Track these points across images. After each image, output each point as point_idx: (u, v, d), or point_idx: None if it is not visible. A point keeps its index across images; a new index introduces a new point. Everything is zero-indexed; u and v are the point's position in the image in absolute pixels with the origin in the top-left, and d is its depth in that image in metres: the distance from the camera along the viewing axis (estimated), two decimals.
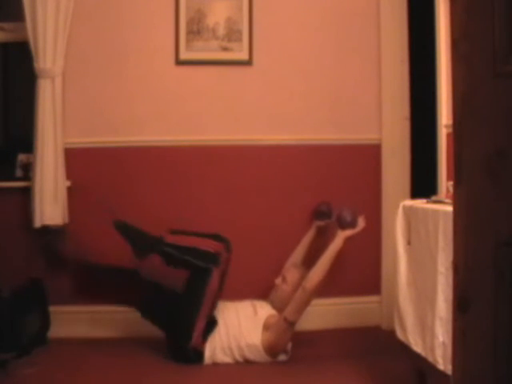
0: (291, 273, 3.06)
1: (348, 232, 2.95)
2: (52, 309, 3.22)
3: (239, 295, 3.12)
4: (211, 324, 2.87)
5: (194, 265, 2.87)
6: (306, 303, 2.88)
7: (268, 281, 3.22)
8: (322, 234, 3.29)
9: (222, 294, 2.99)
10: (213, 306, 2.89)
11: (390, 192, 3.47)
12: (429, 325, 2.12)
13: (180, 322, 2.85)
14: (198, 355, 2.83)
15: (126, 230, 3.07)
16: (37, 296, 3.17)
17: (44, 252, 3.24)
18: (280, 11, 3.46)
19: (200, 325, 2.82)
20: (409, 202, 2.45)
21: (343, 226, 2.97)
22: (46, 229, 3.18)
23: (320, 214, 3.32)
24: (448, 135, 3.30)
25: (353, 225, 2.97)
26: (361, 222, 2.99)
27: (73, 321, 3.26)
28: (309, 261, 3.13)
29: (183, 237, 3.04)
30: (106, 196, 3.24)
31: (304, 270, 3.00)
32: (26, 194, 3.20)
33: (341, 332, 3.36)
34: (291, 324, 2.85)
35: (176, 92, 3.41)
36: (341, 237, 2.94)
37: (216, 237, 3.02)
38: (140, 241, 3.04)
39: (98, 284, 3.27)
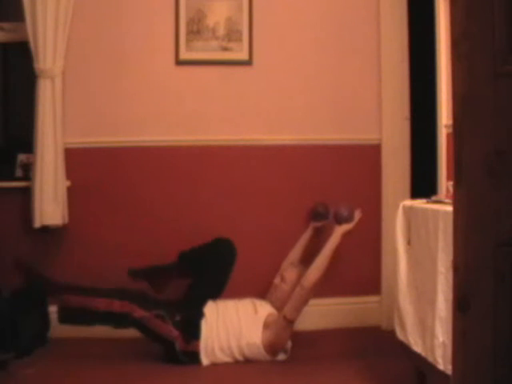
0: (290, 272, 3.06)
1: (345, 227, 2.96)
2: (52, 309, 3.22)
3: (239, 294, 3.11)
4: (192, 327, 2.86)
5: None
6: (304, 301, 2.88)
7: (268, 280, 3.23)
8: (318, 235, 3.29)
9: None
10: (163, 318, 2.85)
11: (389, 192, 3.47)
12: (429, 325, 2.12)
13: (157, 340, 2.89)
14: (192, 357, 2.82)
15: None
16: (37, 296, 3.16)
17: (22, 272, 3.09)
18: (280, 11, 3.46)
19: (172, 334, 2.81)
20: (409, 202, 2.45)
21: (340, 221, 2.98)
22: (45, 231, 3.18)
23: (316, 215, 3.32)
24: (448, 135, 3.30)
25: (350, 219, 2.98)
26: (357, 215, 2.99)
27: None
28: (306, 260, 3.13)
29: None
30: None
31: (302, 269, 3.00)
32: (26, 194, 3.20)
33: (341, 332, 3.36)
34: (290, 322, 2.85)
35: (176, 92, 3.41)
36: (338, 232, 2.94)
37: (216, 242, 3.05)
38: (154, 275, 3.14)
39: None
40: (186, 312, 2.90)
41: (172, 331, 2.81)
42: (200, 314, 2.88)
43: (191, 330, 2.84)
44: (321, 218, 3.30)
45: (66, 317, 2.92)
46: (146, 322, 2.83)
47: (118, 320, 2.87)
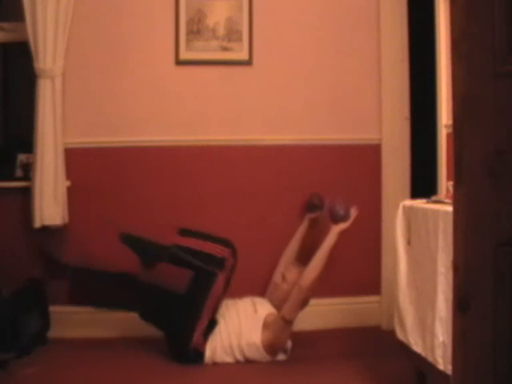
0: (291, 272, 3.06)
1: (342, 225, 2.95)
2: (52, 309, 3.23)
3: (239, 291, 3.11)
4: (212, 324, 2.87)
5: (200, 267, 2.88)
6: (302, 301, 2.87)
7: (267, 278, 3.23)
8: (314, 226, 3.29)
9: (224, 297, 3.00)
10: (215, 309, 2.90)
11: (390, 192, 3.47)
12: (429, 325, 2.12)
13: (181, 323, 2.85)
14: (199, 355, 2.83)
15: (133, 242, 3.08)
16: (37, 296, 3.17)
17: (43, 259, 3.22)
18: (280, 11, 3.46)
19: (201, 326, 2.82)
20: (409, 202, 2.45)
21: (336, 220, 2.97)
22: (44, 231, 3.18)
23: (312, 206, 3.32)
24: (448, 135, 3.30)
25: (346, 218, 2.96)
26: (353, 213, 2.98)
27: (73, 321, 3.26)
28: (303, 254, 3.14)
29: (192, 239, 3.04)
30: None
31: (303, 269, 3.00)
32: (26, 194, 3.20)
33: (341, 332, 3.36)
34: (289, 322, 2.85)
35: (176, 92, 3.41)
36: (335, 232, 2.94)
37: (224, 242, 3.04)
38: (148, 250, 3.05)
39: (96, 289, 3.27)
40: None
41: (202, 326, 2.82)
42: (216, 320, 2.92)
43: (210, 328, 2.86)
44: (316, 209, 3.30)
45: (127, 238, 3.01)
46: (215, 287, 2.87)
47: (216, 263, 2.91)
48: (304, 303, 2.90)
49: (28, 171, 3.30)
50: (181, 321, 2.85)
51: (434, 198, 2.38)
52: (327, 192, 3.38)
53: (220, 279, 2.89)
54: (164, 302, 2.89)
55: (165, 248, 2.99)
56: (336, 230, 2.95)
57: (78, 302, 3.16)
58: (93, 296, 3.16)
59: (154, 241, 3.07)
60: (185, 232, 3.12)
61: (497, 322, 1.34)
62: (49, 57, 3.15)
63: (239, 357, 2.86)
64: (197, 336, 2.81)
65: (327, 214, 3.06)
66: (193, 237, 3.07)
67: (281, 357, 2.91)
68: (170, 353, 2.89)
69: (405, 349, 2.35)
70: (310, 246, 3.07)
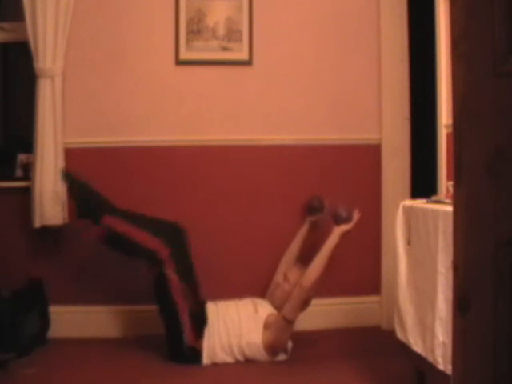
0: (293, 272, 3.06)
1: (344, 227, 2.95)
2: (52, 309, 3.23)
3: (239, 292, 3.12)
4: (202, 321, 2.86)
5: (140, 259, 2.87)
6: (304, 301, 2.87)
7: (267, 279, 3.23)
8: (315, 229, 3.29)
9: (196, 284, 2.96)
10: (187, 300, 2.85)
11: (389, 192, 3.47)
12: (429, 325, 2.12)
13: (168, 323, 2.87)
14: (195, 354, 2.82)
15: (75, 185, 2.98)
16: (37, 296, 3.17)
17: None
18: (280, 11, 3.46)
19: (186, 322, 2.81)
20: (409, 202, 2.45)
21: (339, 222, 2.97)
22: (44, 231, 3.18)
23: (312, 209, 3.32)
24: (448, 135, 3.30)
25: (348, 220, 2.97)
26: (355, 215, 2.99)
27: (73, 321, 3.26)
28: (304, 256, 3.14)
29: (129, 225, 2.90)
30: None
31: (305, 269, 3.00)
32: (26, 194, 3.20)
33: (341, 332, 3.36)
34: (290, 322, 2.85)
35: (176, 92, 3.41)
36: (337, 233, 2.94)
37: (169, 225, 2.98)
38: (88, 202, 2.94)
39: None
40: (198, 307, 2.91)
41: (186, 319, 2.81)
42: (205, 315, 2.89)
43: (200, 325, 2.84)
44: (316, 211, 3.30)
45: (111, 239, 2.90)
46: (171, 283, 2.81)
47: (152, 259, 2.84)
48: (305, 303, 2.90)
49: (28, 171, 3.30)
50: (167, 318, 2.86)
51: (434, 197, 2.38)
52: (327, 192, 3.39)
53: (168, 272, 2.82)
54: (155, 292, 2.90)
55: (108, 208, 2.92)
56: (338, 231, 2.94)
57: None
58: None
59: (98, 194, 2.98)
60: (125, 214, 3.00)
61: (497, 321, 1.34)
62: (49, 57, 3.15)
63: (239, 357, 2.86)
64: (187, 333, 2.80)
65: (330, 215, 3.07)
66: (133, 219, 2.98)
67: (281, 357, 2.91)
68: (169, 354, 2.88)
69: (405, 349, 2.35)
70: (310, 249, 3.07)
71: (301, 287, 2.85)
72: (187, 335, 2.81)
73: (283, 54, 3.46)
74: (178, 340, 2.82)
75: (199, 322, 2.85)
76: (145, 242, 2.85)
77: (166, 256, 2.84)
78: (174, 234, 2.96)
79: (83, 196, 2.96)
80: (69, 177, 3.01)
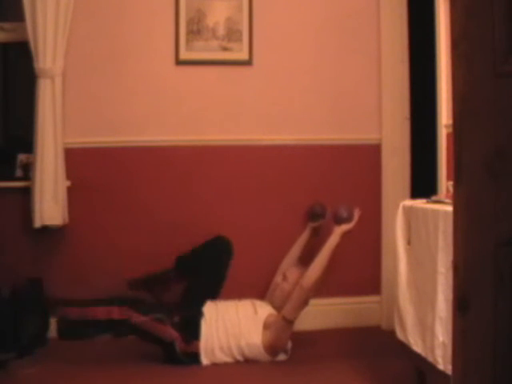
0: (293, 272, 3.06)
1: (344, 227, 2.95)
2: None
3: (238, 293, 3.12)
4: (192, 327, 2.85)
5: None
6: (304, 301, 2.88)
7: (267, 280, 3.23)
8: (316, 235, 3.29)
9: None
10: (161, 322, 2.85)
11: (389, 192, 3.47)
12: (429, 325, 2.12)
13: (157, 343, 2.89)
14: (192, 357, 2.82)
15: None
16: (37, 296, 3.16)
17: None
18: (280, 11, 3.46)
19: (173, 337, 2.81)
20: (409, 202, 2.45)
21: (340, 222, 2.97)
22: (44, 231, 3.18)
23: (314, 215, 3.31)
24: (448, 135, 3.30)
25: (349, 220, 2.97)
26: (356, 214, 2.98)
27: None
28: (305, 259, 3.13)
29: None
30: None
31: (305, 269, 3.00)
32: (26, 194, 3.20)
33: (341, 332, 3.37)
34: (290, 322, 2.85)
35: (176, 92, 3.41)
36: (337, 233, 2.94)
37: (215, 241, 3.07)
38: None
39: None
40: (184, 313, 2.90)
41: (171, 333, 2.81)
42: (199, 314, 2.88)
43: (191, 330, 2.84)
44: (318, 217, 3.30)
45: (66, 331, 2.91)
46: (146, 326, 2.82)
47: (118, 327, 2.88)
48: (306, 303, 2.90)
49: (28, 171, 3.30)
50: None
51: (434, 197, 2.38)
52: (327, 192, 3.40)
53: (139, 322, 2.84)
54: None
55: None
56: (339, 231, 2.94)
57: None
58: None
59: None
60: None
61: (497, 321, 1.33)
62: (49, 57, 3.15)
63: (239, 357, 2.86)
64: (178, 343, 2.81)
65: (330, 215, 3.07)
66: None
67: (281, 357, 2.91)
68: (166, 360, 2.88)
69: (405, 349, 2.35)
70: (311, 253, 3.06)
71: (301, 287, 2.85)
72: (179, 345, 2.82)
73: (283, 54, 3.46)
74: (172, 350, 2.82)
75: (188, 327, 2.85)
76: (110, 315, 2.84)
77: (127, 314, 2.82)
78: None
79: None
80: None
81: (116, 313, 2.82)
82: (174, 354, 2.82)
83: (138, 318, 2.81)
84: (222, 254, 3.06)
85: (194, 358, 2.82)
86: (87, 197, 3.32)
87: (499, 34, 1.32)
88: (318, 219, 3.30)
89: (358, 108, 3.51)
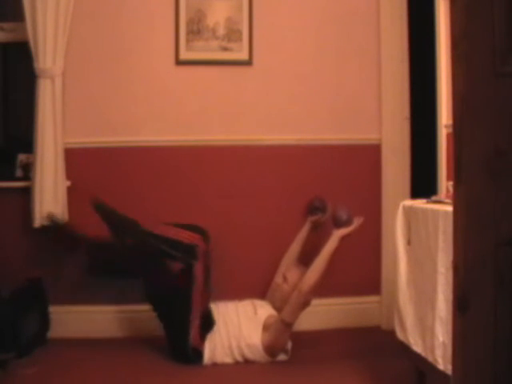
0: (293, 273, 3.05)
1: (343, 231, 2.94)
2: (52, 309, 3.23)
3: (239, 293, 3.12)
4: (208, 323, 2.87)
5: (175, 257, 2.84)
6: (302, 304, 2.87)
7: (267, 280, 3.23)
8: (316, 229, 3.29)
9: (211, 287, 2.98)
10: (204, 301, 2.87)
11: (389, 192, 3.47)
12: (429, 325, 2.12)
13: (175, 322, 2.86)
14: (198, 355, 2.83)
15: (105, 212, 3.03)
16: (37, 296, 3.17)
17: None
18: (280, 11, 3.46)
19: (195, 323, 2.81)
20: (409, 202, 2.45)
21: (339, 225, 2.96)
22: (44, 231, 3.18)
23: (313, 208, 3.31)
24: (448, 135, 3.30)
25: (348, 223, 2.96)
26: (356, 221, 2.98)
27: (73, 321, 3.26)
28: (305, 256, 3.14)
29: (161, 226, 2.97)
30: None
31: (304, 270, 3.00)
32: (26, 193, 3.20)
33: (341, 332, 3.36)
34: (289, 325, 2.85)
35: (176, 92, 3.41)
36: (336, 236, 2.93)
37: (194, 228, 3.00)
38: (119, 224, 3.00)
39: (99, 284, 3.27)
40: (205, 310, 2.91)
41: (196, 320, 2.80)
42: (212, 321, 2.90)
43: (207, 327, 2.84)
44: (317, 211, 3.30)
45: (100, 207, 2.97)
46: (196, 279, 2.81)
47: (190, 252, 2.84)
48: (304, 306, 2.90)
49: (28, 171, 3.30)
50: (174, 321, 2.86)
51: (433, 198, 2.37)
52: (327, 192, 3.39)
53: (198, 269, 2.84)
54: (160, 296, 2.91)
55: (135, 226, 2.95)
56: (338, 234, 2.94)
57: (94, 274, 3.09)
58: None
59: (127, 217, 3.02)
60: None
61: (497, 321, 1.34)
62: (49, 57, 3.15)
63: (239, 358, 2.86)
64: (193, 334, 2.80)
65: (330, 218, 3.07)
66: (161, 225, 3.01)
67: (281, 357, 2.91)
68: (171, 353, 2.88)
69: (405, 349, 2.35)
70: (311, 249, 3.06)
71: (299, 291, 2.84)
72: (193, 336, 2.81)
73: (283, 54, 3.46)
74: (183, 340, 2.81)
75: (207, 324, 2.86)
76: (185, 238, 2.88)
77: (202, 252, 2.87)
78: (205, 235, 2.99)
79: (115, 220, 3.02)
80: (99, 207, 3.04)
81: (186, 237, 2.86)
82: (185, 347, 2.80)
83: (199, 268, 2.82)
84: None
85: (199, 355, 2.82)
86: (87, 197, 3.31)
87: (499, 34, 1.32)
88: (317, 213, 3.29)
89: (358, 108, 3.51)
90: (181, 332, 2.82)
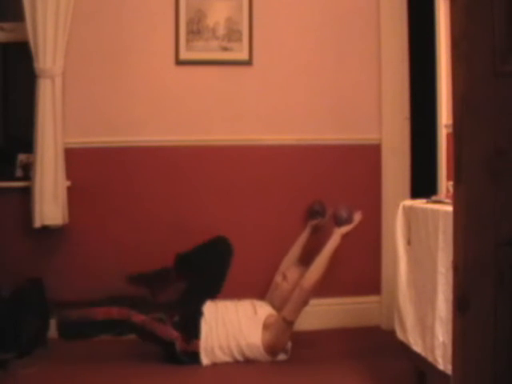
0: (292, 271, 3.06)
1: (344, 228, 2.95)
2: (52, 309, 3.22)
3: (238, 293, 3.12)
4: (192, 325, 2.85)
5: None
6: (303, 302, 2.88)
7: (267, 280, 3.23)
8: (316, 233, 3.29)
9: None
10: (160, 322, 2.85)
11: (389, 192, 3.47)
12: (429, 325, 2.12)
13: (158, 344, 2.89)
14: (192, 356, 2.82)
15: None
16: (37, 296, 3.16)
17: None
18: (280, 11, 3.46)
19: (173, 334, 2.81)
20: (409, 202, 2.45)
21: (340, 223, 2.97)
22: (44, 231, 3.18)
23: (313, 213, 3.32)
24: (448, 135, 3.30)
25: (349, 221, 2.97)
26: (356, 217, 2.99)
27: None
28: (305, 259, 3.14)
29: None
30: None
31: (305, 269, 3.00)
32: (26, 193, 3.20)
33: (341, 332, 3.36)
34: (290, 323, 2.85)
35: (176, 92, 3.41)
36: (337, 234, 2.94)
37: (218, 242, 3.07)
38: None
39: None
40: (184, 312, 2.91)
41: (172, 333, 2.81)
42: (199, 314, 2.88)
43: (191, 329, 2.84)
44: (318, 215, 3.30)
45: (66, 331, 2.90)
46: (145, 325, 2.82)
47: (118, 327, 2.86)
48: (305, 304, 2.90)
49: (28, 171, 3.30)
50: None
51: (433, 197, 2.37)
52: (327, 192, 3.40)
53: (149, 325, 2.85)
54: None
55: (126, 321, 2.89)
56: (339, 232, 2.95)
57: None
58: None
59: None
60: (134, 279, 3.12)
61: (497, 321, 1.34)
62: (49, 57, 3.15)
63: (239, 357, 2.86)
64: (179, 342, 2.81)
65: (331, 217, 3.07)
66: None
67: (281, 357, 2.91)
68: (166, 359, 2.88)
69: (405, 349, 2.35)
70: (311, 253, 3.06)
71: (301, 289, 2.85)
72: (179, 344, 2.81)
73: (283, 54, 3.46)
74: (172, 349, 2.82)
75: (188, 327, 2.85)
76: (109, 315, 2.84)
77: (127, 314, 2.83)
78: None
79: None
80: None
81: (115, 313, 2.82)
82: (175, 353, 2.82)
83: (137, 318, 2.81)
84: (223, 253, 3.06)
85: (195, 357, 2.82)
86: (87, 197, 3.32)
87: (499, 34, 1.32)
88: (317, 217, 3.30)
89: (358, 108, 3.51)
90: (167, 344, 2.83)
